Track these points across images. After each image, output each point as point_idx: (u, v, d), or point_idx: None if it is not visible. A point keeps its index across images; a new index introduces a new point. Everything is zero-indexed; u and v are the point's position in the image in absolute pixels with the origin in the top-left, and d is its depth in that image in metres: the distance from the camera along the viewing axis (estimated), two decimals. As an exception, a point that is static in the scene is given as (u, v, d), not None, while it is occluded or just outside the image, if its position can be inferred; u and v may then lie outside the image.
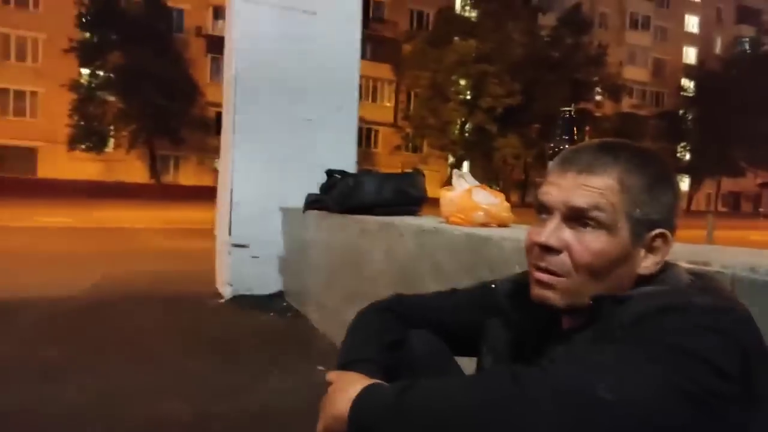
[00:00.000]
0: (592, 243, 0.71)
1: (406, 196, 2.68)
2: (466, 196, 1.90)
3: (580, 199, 0.71)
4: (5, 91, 26.25)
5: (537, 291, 0.76)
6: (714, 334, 0.59)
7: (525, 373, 0.61)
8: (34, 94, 26.65)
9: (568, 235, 0.73)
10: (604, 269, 0.71)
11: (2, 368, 2.17)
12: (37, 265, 4.90)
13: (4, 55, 26.21)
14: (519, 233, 1.53)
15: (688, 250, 1.13)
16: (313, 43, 3.69)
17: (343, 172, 3.01)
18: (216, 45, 22.84)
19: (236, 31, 3.52)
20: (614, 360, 0.60)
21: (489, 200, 1.90)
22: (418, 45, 28.49)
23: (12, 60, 26.39)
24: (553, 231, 0.73)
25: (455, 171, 2.09)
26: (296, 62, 3.64)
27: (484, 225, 1.83)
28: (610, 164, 0.72)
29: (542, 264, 0.75)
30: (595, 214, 0.71)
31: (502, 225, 1.88)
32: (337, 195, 2.79)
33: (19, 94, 26.53)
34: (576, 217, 0.72)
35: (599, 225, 0.71)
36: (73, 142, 25.20)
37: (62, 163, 26.15)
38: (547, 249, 0.74)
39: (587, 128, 31.28)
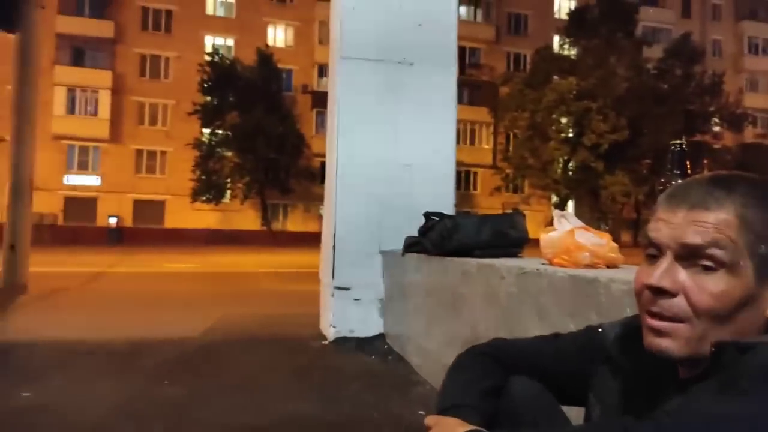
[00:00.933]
0: (711, 284, 0.64)
1: (506, 238, 2.62)
2: (568, 236, 1.83)
3: (695, 236, 0.65)
4: (140, 151, 29.56)
5: (652, 340, 0.69)
6: None
7: (638, 426, 0.57)
8: (163, 153, 29.78)
9: (683, 276, 0.66)
10: (728, 313, 0.64)
11: (131, 406, 2.36)
12: (163, 307, 5.36)
13: (139, 120, 29.65)
14: (629, 274, 1.44)
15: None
16: (410, 92, 3.81)
17: (441, 215, 3.02)
18: (320, 100, 24.25)
19: (338, 85, 3.73)
20: (741, 413, 0.54)
21: (594, 241, 1.81)
22: (515, 86, 28.34)
23: (146, 124, 29.76)
24: (666, 271, 0.67)
25: (556, 211, 2.02)
26: (393, 111, 3.77)
27: (590, 266, 1.75)
28: (725, 198, 0.66)
29: (656, 309, 0.68)
30: (713, 251, 0.64)
31: (611, 266, 1.78)
32: (436, 237, 2.80)
33: (151, 154, 29.79)
34: (691, 256, 0.66)
35: (718, 264, 0.64)
36: (195, 195, 27.72)
37: (186, 214, 28.72)
38: (660, 292, 0.67)
39: (705, 161, 29.00)
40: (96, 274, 8.76)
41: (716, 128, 31.18)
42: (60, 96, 28.11)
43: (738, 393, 0.57)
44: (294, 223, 30.88)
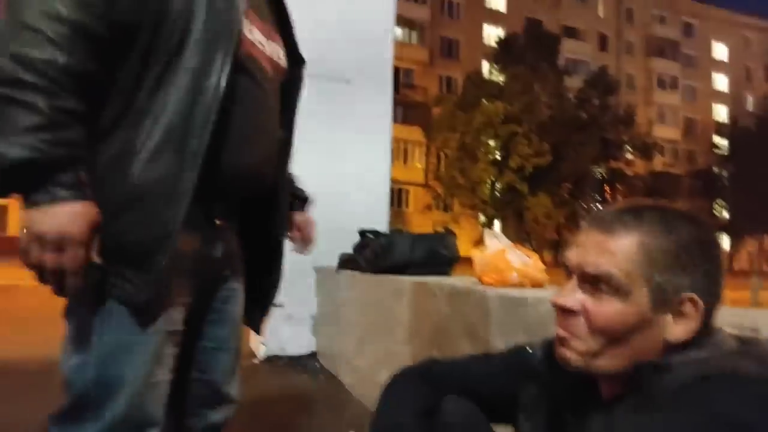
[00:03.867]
0: (604, 307, 0.70)
1: (439, 256, 2.68)
2: (499, 256, 1.90)
3: (592, 264, 0.71)
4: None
5: (557, 349, 0.77)
6: (760, 403, 0.58)
7: None
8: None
9: (583, 297, 0.73)
10: (620, 335, 0.70)
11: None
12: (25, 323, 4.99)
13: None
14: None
15: (732, 314, 1.10)
16: (346, 108, 3.84)
17: (375, 232, 3.05)
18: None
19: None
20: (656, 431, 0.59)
21: (522, 260, 1.90)
22: (447, 108, 29.18)
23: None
24: (569, 293, 0.74)
25: (487, 230, 2.09)
26: (330, 128, 3.78)
27: (518, 286, 1.82)
28: (632, 225, 0.71)
29: (561, 324, 0.75)
30: (608, 277, 0.70)
31: (537, 286, 1.87)
32: (370, 255, 2.82)
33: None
34: (590, 281, 0.72)
35: (613, 289, 0.70)
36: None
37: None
38: (564, 310, 0.74)
39: (619, 187, 31.05)
40: (2, 288, 8.09)
41: (629, 156, 33.42)
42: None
43: (654, 411, 0.62)
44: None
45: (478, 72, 30.97)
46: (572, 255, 0.75)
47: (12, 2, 0.82)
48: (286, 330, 3.49)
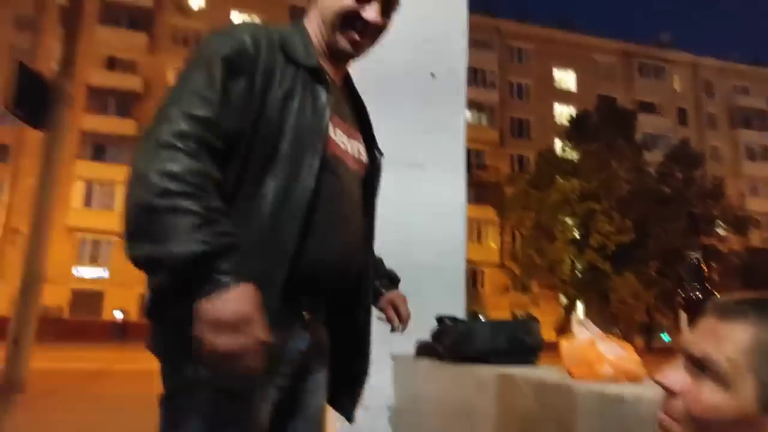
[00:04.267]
0: (704, 394, 0.66)
1: (522, 344, 2.56)
2: (589, 346, 1.78)
3: (698, 346, 0.68)
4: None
5: None
6: None
7: None
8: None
9: (684, 379, 0.69)
10: (716, 428, 0.64)
11: None
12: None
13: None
14: (653, 392, 1.39)
15: None
16: (421, 193, 3.91)
17: (454, 318, 2.98)
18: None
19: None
20: None
21: (615, 351, 1.77)
22: (520, 186, 29.02)
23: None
24: (672, 372, 0.70)
25: (575, 317, 1.99)
26: (404, 212, 3.84)
27: (612, 380, 1.69)
28: (751, 315, 0.66)
29: (663, 406, 0.71)
30: (714, 364, 0.65)
31: (633, 380, 1.72)
32: (449, 342, 2.73)
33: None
34: (695, 363, 0.68)
35: (714, 377, 0.65)
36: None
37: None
38: (665, 389, 0.71)
39: (714, 265, 28.90)
40: (96, 372, 8.53)
41: (721, 231, 31.34)
42: (78, 189, 28.96)
43: None
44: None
45: (551, 150, 30.87)
46: (684, 335, 0.73)
47: (147, 128, 0.96)
48: (363, 421, 3.39)
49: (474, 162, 32.81)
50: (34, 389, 5.70)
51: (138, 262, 0.89)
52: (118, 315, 27.71)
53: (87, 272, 28.73)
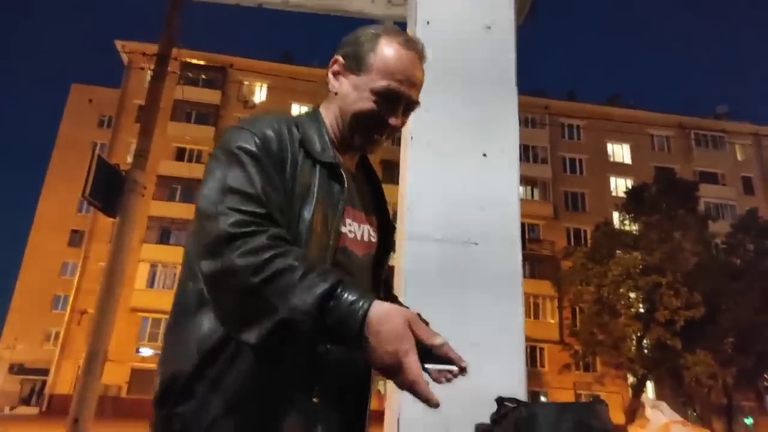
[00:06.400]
0: None
1: (590, 430, 2.40)
2: (664, 433, 1.65)
3: None
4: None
5: None
6: None
7: None
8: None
9: None
10: None
11: None
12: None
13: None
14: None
15: None
16: (475, 270, 3.86)
17: (515, 400, 2.84)
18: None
19: (404, 264, 3.85)
20: None
21: (694, 439, 1.63)
22: (577, 260, 28.12)
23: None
24: None
25: (646, 398, 1.86)
26: (459, 290, 3.79)
27: (694, 471, 1.55)
28: None
29: None
30: None
31: (718, 472, 1.57)
32: (510, 427, 2.59)
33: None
34: None
35: None
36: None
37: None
38: None
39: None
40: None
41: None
42: (143, 271, 30.28)
43: None
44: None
45: (608, 222, 30.04)
46: None
47: (198, 233, 1.07)
48: None
49: (528, 236, 32.32)
50: (91, 470, 5.72)
51: (269, 338, 0.94)
52: (175, 394, 27.77)
53: (147, 351, 29.38)
